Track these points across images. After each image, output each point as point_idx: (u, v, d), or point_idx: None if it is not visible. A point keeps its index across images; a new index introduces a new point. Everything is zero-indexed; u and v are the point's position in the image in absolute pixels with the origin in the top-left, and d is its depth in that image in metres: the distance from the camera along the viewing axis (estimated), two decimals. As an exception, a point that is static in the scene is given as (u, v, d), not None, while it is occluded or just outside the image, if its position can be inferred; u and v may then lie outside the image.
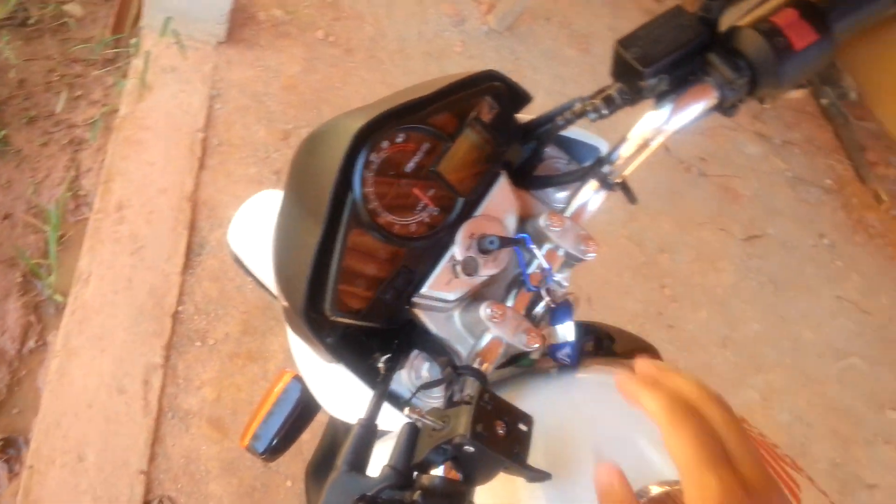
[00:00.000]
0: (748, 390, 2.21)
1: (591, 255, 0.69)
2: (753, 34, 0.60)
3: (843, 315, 2.52)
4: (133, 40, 2.32)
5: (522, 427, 0.55)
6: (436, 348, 0.70)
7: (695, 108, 0.64)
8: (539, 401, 0.74)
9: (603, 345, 0.91)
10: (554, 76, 3.01)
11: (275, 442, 0.97)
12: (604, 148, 0.75)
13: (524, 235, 0.68)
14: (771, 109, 3.26)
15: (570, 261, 0.71)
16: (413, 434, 0.55)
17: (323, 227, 0.60)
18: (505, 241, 0.67)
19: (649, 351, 0.88)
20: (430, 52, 2.82)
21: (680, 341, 2.28)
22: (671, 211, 2.70)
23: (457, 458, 0.53)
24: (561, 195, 0.76)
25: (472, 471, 0.54)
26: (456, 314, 0.70)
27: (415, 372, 0.70)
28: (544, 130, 0.72)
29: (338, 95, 2.51)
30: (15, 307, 1.76)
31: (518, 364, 0.77)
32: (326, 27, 2.67)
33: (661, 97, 0.64)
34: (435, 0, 2.95)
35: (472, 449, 0.51)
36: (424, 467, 0.53)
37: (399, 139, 0.62)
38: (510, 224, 0.70)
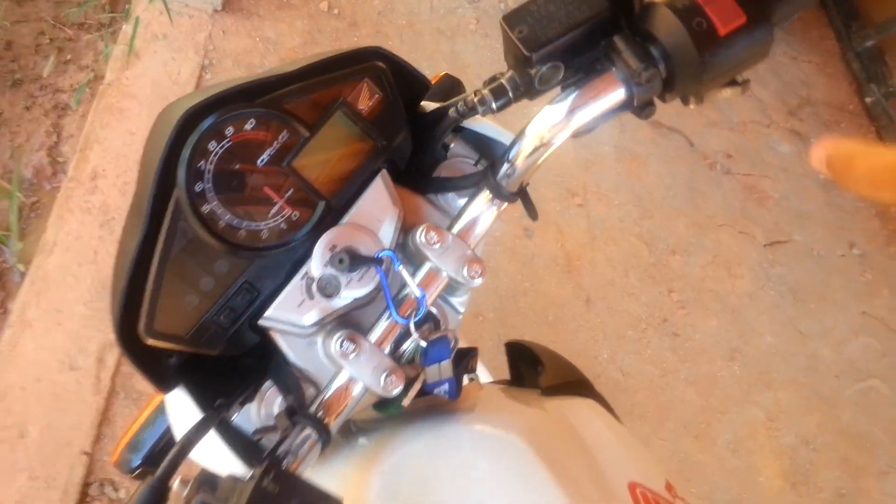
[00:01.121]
0: (753, 408, 2.11)
1: (476, 281, 0.60)
2: (667, 14, 0.50)
3: (868, 333, 2.39)
4: (128, 5, 2.31)
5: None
6: (294, 381, 0.61)
7: (597, 104, 0.54)
8: (411, 454, 0.62)
9: (527, 372, 0.83)
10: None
11: (152, 456, 0.87)
12: (499, 136, 0.66)
13: (389, 253, 0.59)
14: (808, 106, 3.11)
15: (454, 283, 0.62)
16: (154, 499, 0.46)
17: (142, 230, 0.51)
18: (359, 259, 0.57)
19: (584, 387, 0.79)
20: (441, 29, 2.75)
21: (684, 350, 2.18)
22: (688, 210, 2.59)
23: None
24: (462, 200, 0.66)
25: None
26: (319, 340, 0.61)
27: (265, 408, 0.61)
28: (439, 126, 0.64)
29: (337, 71, 2.46)
30: (-22, 275, 1.77)
31: (384, 411, 0.67)
32: (331, -1, 2.62)
33: (561, 88, 0.56)
34: (450, -26, 2.88)
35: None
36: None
37: (248, 126, 0.54)
38: (386, 235, 0.61)
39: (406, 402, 0.66)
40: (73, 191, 1.85)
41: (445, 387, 0.64)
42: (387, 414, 0.68)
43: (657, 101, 0.56)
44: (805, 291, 2.45)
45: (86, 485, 1.47)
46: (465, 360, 0.70)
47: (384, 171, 0.62)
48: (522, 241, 2.25)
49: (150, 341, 0.53)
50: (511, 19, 0.53)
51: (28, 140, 2.02)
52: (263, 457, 0.52)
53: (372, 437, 0.67)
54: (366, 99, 0.59)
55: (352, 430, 0.72)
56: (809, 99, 3.20)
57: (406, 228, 0.63)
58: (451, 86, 0.96)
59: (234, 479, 0.48)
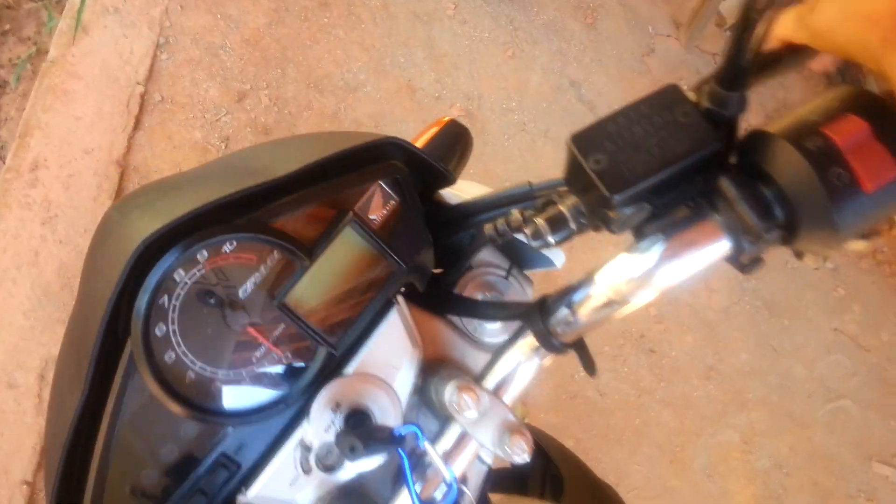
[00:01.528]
0: (728, 430, 2.11)
1: (520, 458, 0.49)
2: (793, 154, 0.39)
3: (839, 350, 2.42)
4: (74, -30, 2.13)
5: None
6: None
7: (692, 257, 0.43)
8: None
9: (546, 488, 0.70)
10: (554, 52, 2.83)
11: None
12: (559, 262, 0.56)
13: (413, 428, 0.48)
14: (785, 108, 3.11)
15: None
16: None
17: (86, 384, 0.40)
18: (374, 437, 0.46)
19: (609, 497, 0.70)
20: (417, 13, 2.63)
21: (660, 369, 2.16)
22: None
23: None
24: (494, 327, 0.56)
25: None
26: None
27: None
28: (472, 245, 0.53)
29: (307, 55, 2.33)
30: None
31: None
32: (301, -25, 2.47)
33: (641, 230, 0.45)
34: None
35: None
36: None
37: (227, 248, 0.43)
38: (404, 385, 0.50)
39: None
40: (11, 183, 1.70)
41: None
42: None
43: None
44: (779, 306, 2.46)
45: (25, 520, 1.36)
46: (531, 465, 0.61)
47: (401, 301, 0.50)
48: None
49: None
50: (582, 142, 0.43)
51: (-42, 120, 1.84)
52: None
53: None
54: (378, 207, 0.48)
55: None
56: (786, 102, 3.20)
57: (425, 366, 0.52)
58: (455, 136, 0.80)
59: None
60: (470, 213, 0.55)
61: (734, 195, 0.41)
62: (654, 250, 0.44)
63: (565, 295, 0.49)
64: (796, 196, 0.40)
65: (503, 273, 0.59)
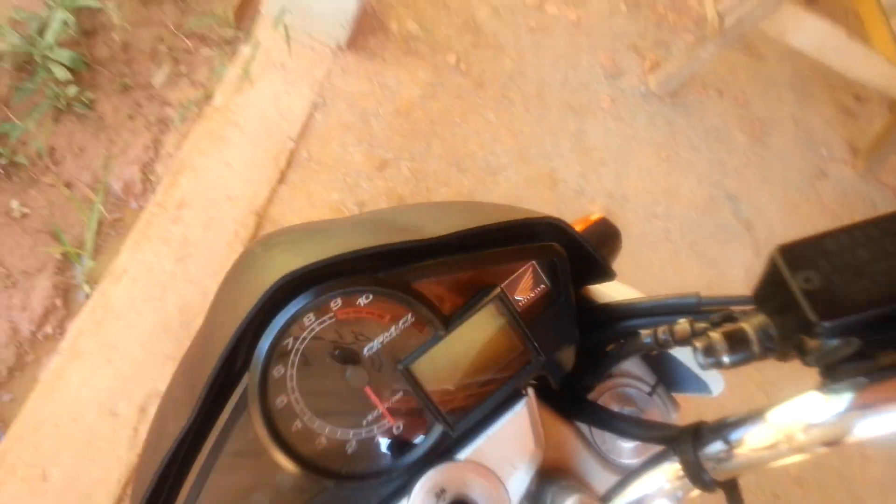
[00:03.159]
0: None
1: None
2: None
3: None
4: (251, 24, 2.39)
5: None
6: None
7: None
8: None
9: None
10: (713, 161, 2.81)
11: None
12: (717, 390, 0.53)
13: None
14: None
15: None
16: None
17: (194, 411, 0.43)
18: None
19: None
20: (571, 104, 2.72)
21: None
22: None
23: None
24: (628, 446, 0.55)
25: None
26: None
27: None
28: (617, 356, 0.51)
29: (454, 132, 2.46)
30: (44, 285, 1.81)
31: None
32: (461, 53, 2.64)
33: (837, 369, 0.40)
34: (591, 46, 2.86)
35: None
36: None
37: (362, 301, 0.44)
38: (518, 486, 0.49)
39: None
40: (157, 216, 1.89)
41: None
42: None
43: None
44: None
45: (98, 553, 1.45)
46: None
47: (531, 394, 0.50)
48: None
49: None
50: (792, 255, 0.39)
51: (124, 152, 2.08)
52: None
53: None
54: (527, 289, 0.49)
55: None
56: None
57: (544, 471, 0.51)
58: (605, 235, 0.82)
59: None
60: (622, 315, 0.54)
61: None
62: (850, 395, 0.39)
63: (726, 427, 0.45)
64: None
65: (647, 389, 0.58)
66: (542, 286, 0.49)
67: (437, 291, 0.46)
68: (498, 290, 0.47)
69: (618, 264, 2.14)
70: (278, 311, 0.43)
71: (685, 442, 0.46)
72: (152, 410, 1.63)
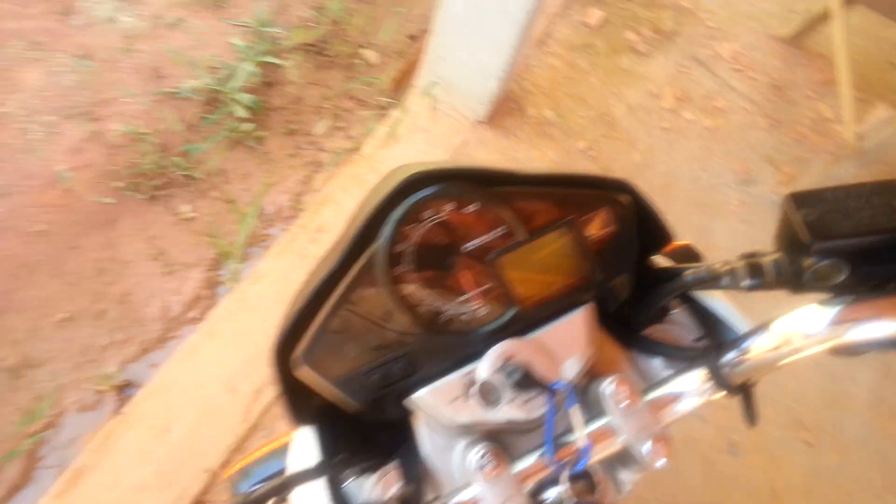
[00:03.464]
0: None
1: (658, 462, 0.56)
2: None
3: None
4: (404, 94, 2.73)
5: None
6: (419, 473, 0.61)
7: (876, 327, 0.50)
8: None
9: None
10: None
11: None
12: (734, 321, 0.63)
13: (566, 386, 0.57)
14: None
15: (628, 457, 0.59)
16: None
17: (332, 267, 0.56)
18: (533, 380, 0.57)
19: None
20: (699, 201, 2.83)
21: None
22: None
23: None
24: (668, 373, 0.64)
25: None
26: (459, 445, 0.61)
27: (382, 486, 0.60)
28: (669, 285, 0.63)
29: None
30: (197, 277, 2.10)
31: None
32: (592, 141, 2.85)
33: (833, 292, 0.52)
34: (725, 151, 2.99)
35: None
36: None
37: (469, 209, 0.57)
38: (570, 370, 0.59)
39: None
40: (298, 235, 2.16)
41: None
42: None
43: None
44: None
45: (197, 501, 1.61)
46: None
47: (591, 306, 0.61)
48: (723, 457, 2.12)
49: (300, 371, 0.57)
50: (799, 199, 0.52)
51: (281, 182, 2.41)
52: None
53: None
54: (597, 227, 0.60)
55: None
56: None
57: (592, 374, 0.61)
58: (688, 258, 0.95)
59: None
60: (670, 274, 0.65)
61: None
62: (840, 310, 0.51)
63: (740, 339, 0.57)
64: None
65: (692, 337, 0.67)
66: (610, 228, 0.61)
67: (527, 212, 0.59)
68: (572, 218, 0.60)
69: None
70: (395, 202, 0.56)
71: (710, 353, 0.58)
72: (265, 395, 1.82)
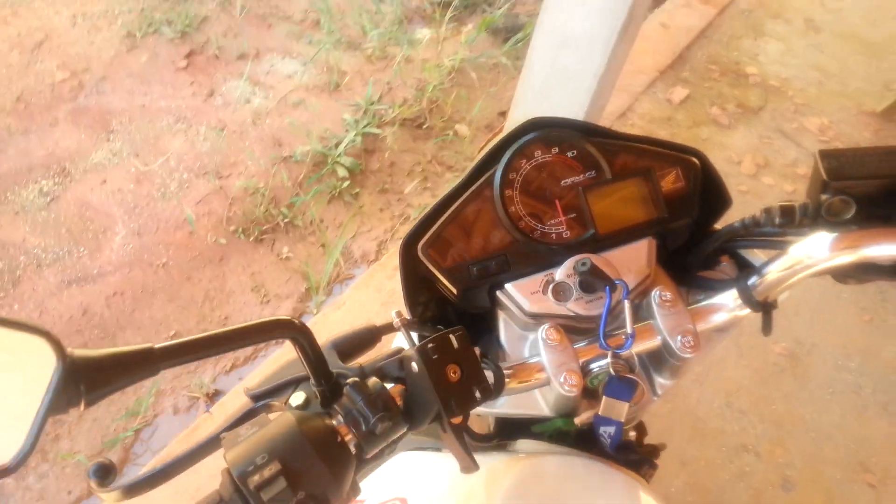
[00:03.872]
0: None
1: (687, 354, 0.66)
2: None
3: None
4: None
5: (477, 392, 0.58)
6: (495, 357, 0.71)
7: (871, 250, 0.60)
8: (548, 485, 0.75)
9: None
10: None
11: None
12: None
13: (623, 283, 0.68)
14: None
15: (666, 351, 0.70)
16: (397, 353, 0.63)
17: (460, 182, 0.73)
18: (598, 272, 0.68)
19: None
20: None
21: None
22: None
23: (404, 381, 0.60)
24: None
25: (411, 402, 0.59)
26: (530, 338, 0.75)
27: None
28: (721, 231, 0.75)
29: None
30: (288, 306, 2.38)
31: (552, 426, 0.80)
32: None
33: (840, 226, 0.62)
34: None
35: (415, 367, 0.57)
36: (381, 374, 0.61)
37: (570, 153, 0.73)
38: (631, 280, 0.71)
39: (578, 420, 0.76)
40: (376, 273, 2.40)
41: (612, 430, 0.73)
42: (553, 428, 0.80)
43: None
44: None
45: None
46: (643, 465, 0.80)
47: (653, 240, 0.74)
48: (776, 491, 2.07)
49: (423, 256, 0.72)
50: (826, 153, 0.62)
51: (370, 231, 2.69)
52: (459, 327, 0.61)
53: (515, 457, 0.81)
54: (670, 181, 0.74)
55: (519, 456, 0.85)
56: None
57: (645, 290, 0.73)
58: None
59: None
60: (722, 231, 0.77)
61: None
62: (842, 237, 0.61)
63: (764, 264, 0.68)
64: None
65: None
66: (681, 184, 0.74)
67: (616, 160, 0.73)
68: (650, 168, 0.73)
69: (796, 401, 2.17)
70: (518, 137, 0.73)
71: (741, 277, 0.70)
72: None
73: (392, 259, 2.47)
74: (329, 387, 0.59)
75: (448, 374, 0.56)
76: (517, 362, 0.69)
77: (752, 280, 0.68)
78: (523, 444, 0.86)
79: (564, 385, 0.65)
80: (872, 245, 0.60)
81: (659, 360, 0.74)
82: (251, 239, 2.55)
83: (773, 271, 0.66)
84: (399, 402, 0.58)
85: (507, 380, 0.65)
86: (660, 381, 0.77)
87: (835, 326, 2.56)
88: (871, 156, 0.61)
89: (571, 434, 0.80)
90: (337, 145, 2.88)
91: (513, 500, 0.71)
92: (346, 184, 2.76)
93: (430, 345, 0.57)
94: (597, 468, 0.77)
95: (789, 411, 2.27)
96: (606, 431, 0.73)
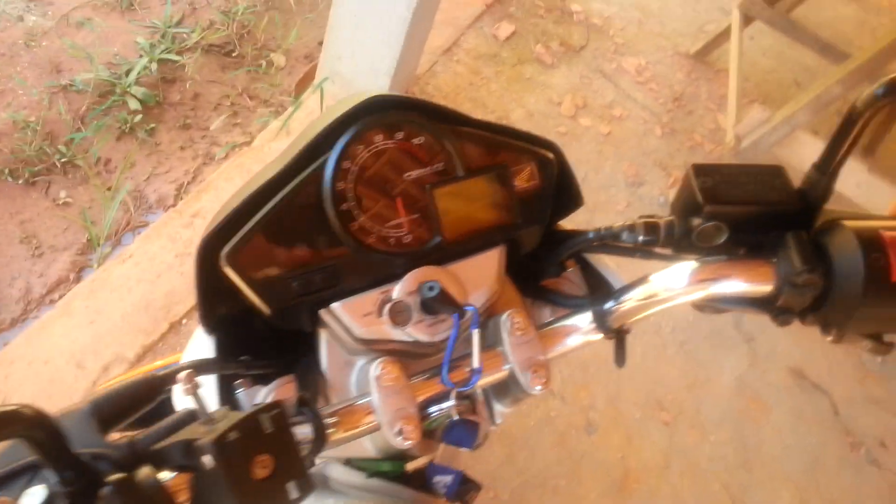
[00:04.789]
0: None
1: (535, 389, 0.61)
2: (850, 237, 0.54)
3: None
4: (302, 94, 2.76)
5: (291, 487, 0.45)
6: (315, 387, 0.64)
7: (739, 284, 0.58)
8: None
9: None
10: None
11: None
12: (617, 285, 0.69)
13: (473, 309, 0.60)
14: None
15: (512, 383, 0.63)
16: (186, 420, 0.49)
17: (277, 171, 0.59)
18: (447, 299, 0.60)
19: None
20: (586, 201, 2.86)
21: None
22: (804, 483, 2.29)
23: (193, 470, 0.45)
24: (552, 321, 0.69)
25: (201, 499, 0.45)
26: (359, 363, 0.64)
27: (276, 395, 0.61)
28: (574, 239, 0.68)
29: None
30: (64, 260, 2.09)
31: (381, 466, 0.70)
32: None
33: (707, 251, 0.59)
34: (618, 156, 3.04)
35: (209, 464, 0.43)
36: (159, 459, 0.46)
37: (416, 140, 0.62)
38: (477, 301, 0.64)
39: (410, 467, 0.68)
40: (172, 220, 2.16)
41: (449, 479, 0.67)
42: (381, 470, 0.70)
43: (795, 322, 0.59)
44: None
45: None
46: (468, 491, 0.74)
47: (503, 249, 0.66)
48: (578, 434, 2.13)
49: (227, 267, 0.57)
50: (700, 169, 0.59)
51: (167, 172, 2.42)
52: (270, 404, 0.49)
53: (345, 498, 0.71)
54: (524, 179, 0.65)
55: (329, 486, 0.75)
56: None
57: (491, 313, 0.65)
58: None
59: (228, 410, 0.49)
60: (574, 236, 0.70)
61: (793, 244, 0.56)
62: (711, 266, 0.58)
63: (622, 290, 0.64)
64: (840, 268, 0.55)
65: (581, 293, 0.74)
66: (535, 182, 0.66)
67: (467, 152, 0.63)
68: (504, 165, 0.65)
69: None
70: (352, 121, 0.60)
71: (596, 299, 0.65)
72: (115, 372, 1.81)
73: (192, 204, 2.23)
74: (81, 480, 0.42)
75: (254, 471, 0.44)
76: (342, 405, 0.57)
77: (609, 305, 0.63)
78: (335, 470, 0.75)
79: (399, 436, 0.56)
80: (740, 279, 0.57)
81: (502, 388, 0.67)
82: (20, 181, 2.20)
83: (631, 300, 0.62)
84: (183, 497, 0.44)
85: (330, 430, 0.54)
86: (499, 408, 0.71)
87: (639, 268, 2.65)
88: (747, 175, 0.59)
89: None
90: (128, 73, 2.53)
91: None
92: (138, 117, 2.44)
93: (231, 434, 0.43)
94: None
95: (594, 353, 2.33)
96: (442, 481, 0.68)
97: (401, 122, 0.60)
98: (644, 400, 2.28)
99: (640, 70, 3.46)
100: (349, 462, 0.74)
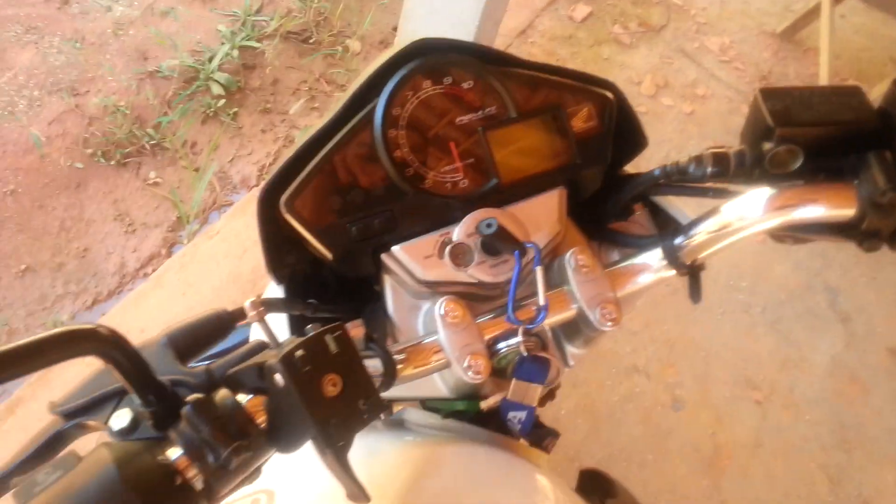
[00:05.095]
0: None
1: (606, 326, 0.57)
2: None
3: None
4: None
5: (363, 408, 0.45)
6: (383, 330, 0.63)
7: (818, 209, 0.52)
8: (448, 469, 0.65)
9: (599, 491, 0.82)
10: (816, 252, 2.69)
11: None
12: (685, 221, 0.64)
13: (534, 246, 0.58)
14: None
15: (582, 322, 0.60)
16: (258, 349, 0.50)
17: (330, 118, 0.58)
18: (507, 236, 0.58)
19: None
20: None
21: None
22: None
23: (267, 391, 0.45)
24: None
25: (278, 418, 0.45)
26: (425, 305, 0.63)
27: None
28: (637, 182, 0.65)
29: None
30: (156, 236, 2.15)
31: (453, 406, 0.68)
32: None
33: (781, 178, 0.54)
34: (701, 135, 2.93)
35: (280, 382, 0.43)
36: (234, 383, 0.46)
37: (466, 84, 0.60)
38: (539, 241, 0.61)
39: (484, 405, 0.67)
40: (252, 199, 2.18)
41: (522, 415, 0.65)
42: (454, 409, 0.69)
43: (885, 248, 0.54)
44: None
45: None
46: (546, 435, 0.73)
47: (563, 190, 0.64)
48: (665, 411, 2.06)
49: (287, 213, 0.57)
50: (768, 93, 0.54)
51: (250, 154, 2.45)
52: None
53: (423, 437, 0.71)
54: (581, 120, 0.63)
55: (407, 427, 0.75)
56: None
57: (556, 255, 0.63)
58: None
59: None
60: (641, 177, 0.67)
61: (875, 164, 0.51)
62: (787, 192, 0.53)
63: (693, 222, 0.59)
64: None
65: (649, 234, 0.70)
66: (593, 123, 0.64)
67: (521, 94, 0.61)
68: (560, 106, 0.63)
69: (688, 319, 2.13)
70: (401, 65, 0.59)
71: (667, 237, 0.60)
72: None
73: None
74: (163, 403, 0.43)
75: (324, 389, 0.44)
76: (410, 343, 0.56)
77: (679, 240, 0.59)
78: (412, 414, 0.75)
79: (469, 371, 0.55)
80: (819, 203, 0.52)
81: (572, 328, 0.64)
82: (112, 163, 2.26)
83: (703, 232, 0.58)
84: (261, 418, 0.45)
85: (399, 366, 0.54)
86: (572, 350, 0.67)
87: (727, 247, 2.54)
88: (819, 97, 0.53)
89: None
90: (211, 59, 2.58)
91: (401, 496, 0.61)
92: (221, 102, 2.49)
93: (298, 352, 0.43)
94: (496, 460, 0.68)
95: (681, 332, 2.24)
96: (516, 417, 0.65)
97: (445, 64, 0.58)
98: (734, 379, 2.18)
99: (724, 49, 3.34)
100: (425, 405, 0.73)
